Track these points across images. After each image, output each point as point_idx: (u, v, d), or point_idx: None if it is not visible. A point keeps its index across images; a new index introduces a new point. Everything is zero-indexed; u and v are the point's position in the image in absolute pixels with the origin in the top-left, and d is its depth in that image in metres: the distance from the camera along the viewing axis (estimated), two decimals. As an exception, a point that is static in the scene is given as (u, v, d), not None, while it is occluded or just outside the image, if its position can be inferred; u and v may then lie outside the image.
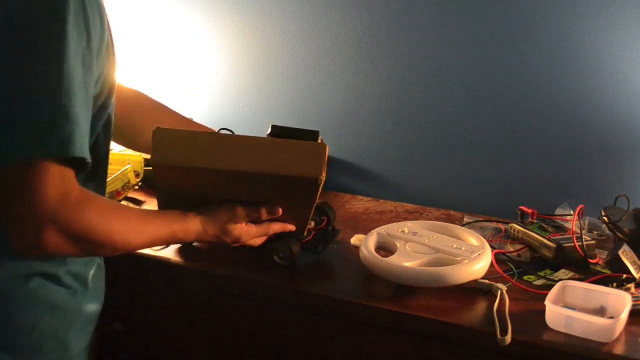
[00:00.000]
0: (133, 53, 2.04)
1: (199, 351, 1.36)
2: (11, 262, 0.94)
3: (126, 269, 1.31)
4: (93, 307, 1.06)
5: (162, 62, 2.04)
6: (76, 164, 0.89)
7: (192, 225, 1.11)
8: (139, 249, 1.06)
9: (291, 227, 1.24)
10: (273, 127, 1.14)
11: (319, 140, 1.11)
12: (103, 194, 1.08)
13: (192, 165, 1.06)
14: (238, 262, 1.30)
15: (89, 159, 0.90)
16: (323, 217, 1.35)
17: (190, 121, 1.40)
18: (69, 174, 0.89)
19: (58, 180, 0.86)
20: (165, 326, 1.38)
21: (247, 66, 1.94)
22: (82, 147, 0.88)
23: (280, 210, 1.18)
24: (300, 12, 1.84)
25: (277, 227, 1.21)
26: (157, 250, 1.33)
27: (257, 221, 1.18)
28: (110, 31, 0.99)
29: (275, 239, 1.25)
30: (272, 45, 1.90)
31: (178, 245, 1.35)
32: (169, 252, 1.33)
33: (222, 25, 1.94)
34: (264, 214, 1.17)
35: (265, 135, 1.13)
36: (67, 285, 1.00)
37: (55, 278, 0.98)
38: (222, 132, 1.16)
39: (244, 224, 1.16)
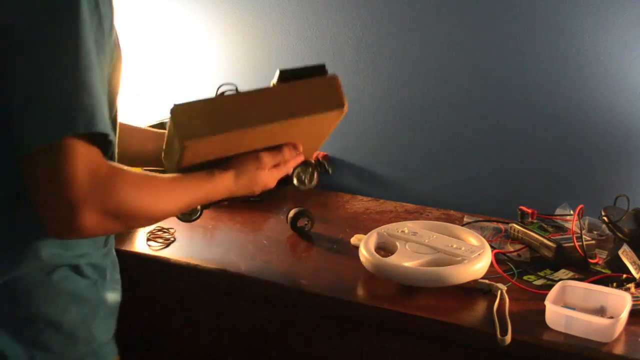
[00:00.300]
0: (134, 53, 2.04)
1: (199, 351, 1.36)
2: (32, 257, 0.94)
3: (126, 269, 1.31)
4: (114, 297, 1.06)
5: (162, 62, 2.04)
6: (100, 142, 0.88)
7: (223, 183, 1.10)
8: (174, 215, 1.06)
9: (302, 157, 1.22)
10: (281, 72, 1.13)
11: (328, 73, 1.12)
12: None
13: (222, 132, 1.05)
14: (238, 262, 1.30)
15: (112, 137, 0.89)
16: None
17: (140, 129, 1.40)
18: (95, 151, 0.87)
19: (86, 158, 0.85)
20: (165, 326, 1.38)
21: (247, 66, 1.94)
22: (105, 124, 0.87)
23: (301, 147, 1.18)
24: (300, 12, 1.84)
25: (293, 163, 1.20)
26: (156, 250, 1.33)
27: (280, 163, 1.18)
28: (115, 29, 0.99)
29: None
30: (272, 45, 1.90)
31: (178, 245, 1.35)
32: (169, 252, 1.33)
33: (222, 25, 1.94)
34: (287, 154, 1.17)
35: (273, 82, 1.13)
36: (87, 276, 1.00)
37: (76, 269, 0.98)
38: (225, 87, 1.16)
39: (268, 170, 1.16)
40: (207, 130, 1.05)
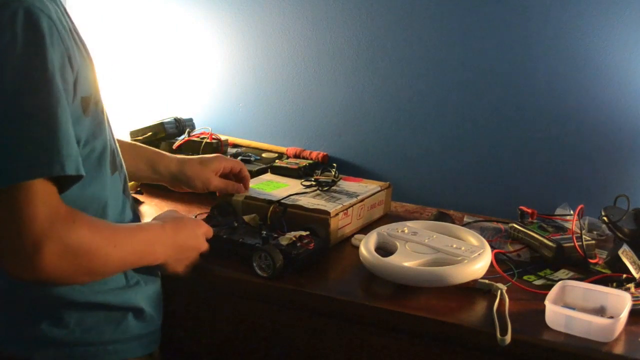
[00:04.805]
0: (134, 53, 2.05)
1: (199, 351, 1.36)
2: None
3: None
4: None
5: (162, 63, 2.04)
6: (63, 180, 0.90)
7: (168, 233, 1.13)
8: (131, 263, 1.05)
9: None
10: None
11: None
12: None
13: None
14: (237, 263, 1.30)
15: (81, 173, 0.91)
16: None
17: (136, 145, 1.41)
18: (54, 190, 0.89)
19: (47, 198, 0.87)
20: (164, 326, 1.38)
21: (247, 66, 1.95)
22: (70, 163, 0.89)
23: None
24: (300, 12, 1.84)
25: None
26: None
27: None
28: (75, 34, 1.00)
29: (259, 248, 1.24)
30: (272, 45, 1.90)
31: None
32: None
33: (222, 25, 1.95)
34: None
35: None
36: None
37: None
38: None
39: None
40: None
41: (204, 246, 1.21)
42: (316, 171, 1.66)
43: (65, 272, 0.90)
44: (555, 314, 1.09)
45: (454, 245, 1.26)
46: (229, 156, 1.70)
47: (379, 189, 1.57)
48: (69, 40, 0.94)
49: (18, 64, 0.86)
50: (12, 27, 0.86)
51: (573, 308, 1.12)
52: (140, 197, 1.62)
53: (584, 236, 1.33)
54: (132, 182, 1.58)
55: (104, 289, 1.05)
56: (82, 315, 1.03)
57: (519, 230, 1.44)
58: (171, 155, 1.43)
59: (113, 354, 1.06)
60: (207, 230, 1.22)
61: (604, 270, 1.29)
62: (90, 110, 0.99)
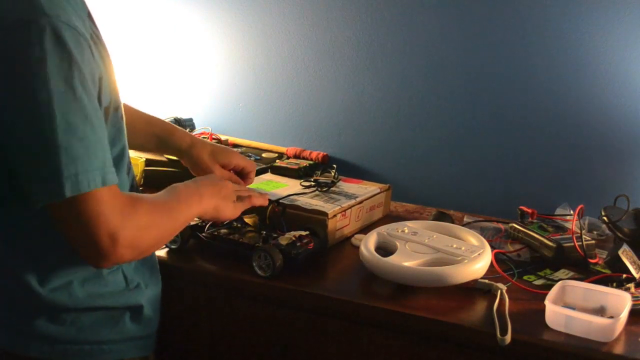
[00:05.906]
0: (133, 53, 2.05)
1: (200, 351, 1.36)
2: None
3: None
4: None
5: (162, 63, 2.04)
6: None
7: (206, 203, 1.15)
8: (182, 222, 1.10)
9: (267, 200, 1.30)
10: None
11: None
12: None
13: None
14: (237, 263, 1.30)
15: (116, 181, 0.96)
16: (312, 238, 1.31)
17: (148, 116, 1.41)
18: (113, 188, 0.95)
19: (110, 198, 0.93)
20: (165, 326, 1.38)
21: (247, 66, 1.95)
22: (113, 171, 0.95)
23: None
24: (300, 12, 1.84)
25: (256, 200, 1.26)
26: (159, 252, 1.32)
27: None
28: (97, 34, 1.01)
29: (259, 248, 1.24)
30: (272, 45, 1.90)
31: (178, 245, 1.35)
32: (170, 255, 1.33)
33: (222, 25, 1.95)
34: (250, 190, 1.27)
35: None
36: None
37: None
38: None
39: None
40: None
41: (229, 185, 1.22)
42: (316, 172, 1.66)
43: (140, 249, 0.98)
44: (555, 313, 1.09)
45: (454, 245, 1.26)
46: None
47: (379, 190, 1.57)
48: (94, 48, 0.95)
49: (50, 82, 0.87)
50: (41, 44, 0.86)
51: (573, 308, 1.12)
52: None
53: (584, 236, 1.33)
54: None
55: (103, 293, 1.06)
56: (79, 315, 1.04)
57: (519, 230, 1.44)
58: (185, 133, 1.40)
59: (108, 353, 1.07)
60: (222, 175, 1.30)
61: (604, 270, 1.29)
62: (110, 117, 1.01)
